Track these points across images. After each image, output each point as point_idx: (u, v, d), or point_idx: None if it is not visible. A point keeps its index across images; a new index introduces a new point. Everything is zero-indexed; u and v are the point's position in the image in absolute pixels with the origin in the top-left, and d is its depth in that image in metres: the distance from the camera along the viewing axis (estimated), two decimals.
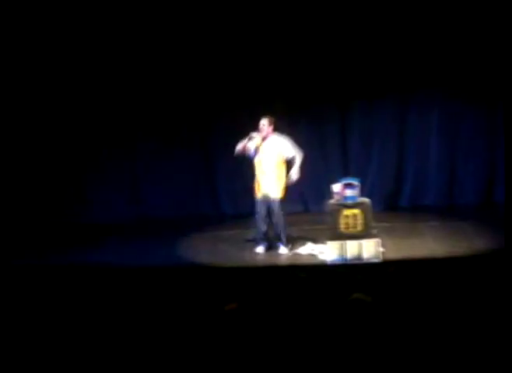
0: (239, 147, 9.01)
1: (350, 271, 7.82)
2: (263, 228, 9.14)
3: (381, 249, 8.72)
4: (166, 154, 11.39)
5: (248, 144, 8.97)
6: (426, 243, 9.21)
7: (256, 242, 9.22)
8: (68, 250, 9.82)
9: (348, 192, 9.08)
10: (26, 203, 11.28)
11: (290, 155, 9.12)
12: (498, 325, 5.55)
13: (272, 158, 9.04)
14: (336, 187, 9.23)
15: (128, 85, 11.15)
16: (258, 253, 9.16)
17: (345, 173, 10.76)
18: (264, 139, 8.97)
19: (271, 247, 9.21)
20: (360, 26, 10.71)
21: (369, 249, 8.63)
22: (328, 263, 8.64)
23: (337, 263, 8.60)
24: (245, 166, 11.01)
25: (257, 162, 9.04)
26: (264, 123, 8.96)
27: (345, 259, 8.61)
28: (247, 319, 6.07)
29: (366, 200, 9.23)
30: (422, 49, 10.80)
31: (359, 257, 8.61)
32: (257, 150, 8.99)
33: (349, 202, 9.05)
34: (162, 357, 5.55)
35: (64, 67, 11.01)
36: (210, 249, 9.53)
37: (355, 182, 9.16)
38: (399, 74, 10.98)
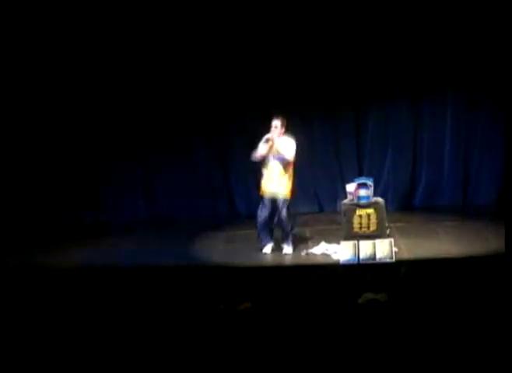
0: (258, 153, 9.03)
1: (363, 271, 7.84)
2: (264, 227, 9.15)
3: (395, 249, 8.71)
4: (180, 153, 11.39)
5: (263, 147, 8.99)
6: (440, 243, 9.20)
7: (261, 242, 9.22)
8: (81, 249, 9.87)
9: (362, 192, 9.10)
10: (37, 203, 11.31)
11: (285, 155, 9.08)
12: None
13: (282, 158, 9.04)
14: (350, 187, 9.25)
15: (143, 86, 11.18)
16: (266, 253, 9.17)
17: (359, 173, 10.82)
18: (275, 140, 8.97)
19: (276, 247, 9.22)
20: (374, 27, 10.69)
21: (382, 249, 8.63)
22: (341, 262, 8.64)
23: (350, 263, 8.60)
24: (259, 165, 11.18)
25: (266, 161, 9.04)
26: (277, 124, 8.97)
27: (359, 259, 8.61)
28: (261, 319, 6.11)
29: (379, 199, 9.24)
30: (436, 49, 10.77)
31: (372, 257, 8.60)
32: (269, 150, 8.99)
33: (363, 202, 9.06)
34: (174, 355, 5.58)
35: (72, 68, 11.05)
36: (223, 249, 9.56)
37: (368, 182, 9.18)
38: (413, 73, 10.96)
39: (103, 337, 6.00)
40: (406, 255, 8.77)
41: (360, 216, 9.03)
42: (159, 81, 11.18)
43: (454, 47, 10.74)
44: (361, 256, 8.62)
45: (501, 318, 5.76)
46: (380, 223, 9.03)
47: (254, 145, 9.14)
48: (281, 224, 9.12)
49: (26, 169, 11.26)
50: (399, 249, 8.89)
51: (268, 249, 9.19)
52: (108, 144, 11.35)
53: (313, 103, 11.13)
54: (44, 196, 11.34)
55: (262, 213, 9.15)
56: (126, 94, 11.24)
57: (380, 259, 8.58)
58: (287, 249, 9.17)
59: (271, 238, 9.22)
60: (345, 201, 9.25)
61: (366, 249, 8.66)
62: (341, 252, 8.74)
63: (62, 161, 11.36)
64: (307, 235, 9.85)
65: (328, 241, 9.25)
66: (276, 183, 9.07)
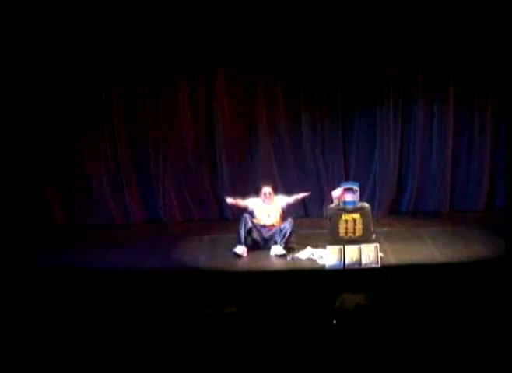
0: (232, 202, 9.63)
1: (348, 276, 7.90)
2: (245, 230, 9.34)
3: (380, 254, 8.78)
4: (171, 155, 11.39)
5: (244, 204, 9.59)
6: (426, 248, 9.26)
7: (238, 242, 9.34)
8: (63, 252, 9.88)
9: (348, 197, 9.18)
10: (30, 204, 11.30)
11: (287, 201, 9.59)
12: (496, 331, 5.60)
13: (276, 216, 9.53)
14: (336, 192, 9.32)
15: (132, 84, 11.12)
16: (237, 253, 9.24)
17: (345, 178, 10.87)
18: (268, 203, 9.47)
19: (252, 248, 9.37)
20: (363, 23, 10.63)
21: (368, 254, 8.70)
22: (327, 267, 8.70)
23: (336, 268, 8.66)
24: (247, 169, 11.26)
25: (258, 218, 9.47)
26: (269, 191, 9.43)
27: (344, 265, 8.67)
28: (246, 323, 6.15)
29: (366, 205, 9.32)
30: (424, 49, 10.80)
31: (358, 262, 8.67)
32: (259, 212, 9.46)
33: (349, 207, 9.14)
34: (159, 360, 5.61)
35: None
36: (209, 253, 9.58)
37: (355, 186, 9.26)
38: (401, 75, 10.99)
39: (85, 343, 6.03)
40: (392, 260, 8.84)
41: (346, 221, 9.12)
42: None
43: (444, 48, 10.77)
44: (347, 261, 8.68)
45: (486, 323, 5.82)
46: (366, 228, 9.12)
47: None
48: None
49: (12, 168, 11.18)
50: (385, 254, 8.96)
51: (239, 249, 9.25)
52: (98, 145, 11.32)
53: (299, 107, 11.16)
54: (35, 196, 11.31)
55: (249, 221, 9.34)
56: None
57: (365, 264, 8.65)
58: (278, 248, 9.23)
59: (246, 242, 9.34)
60: (331, 206, 9.32)
61: (351, 254, 8.72)
62: (327, 257, 8.79)
63: (52, 157, 11.26)
64: (293, 239, 9.89)
65: (314, 246, 9.30)
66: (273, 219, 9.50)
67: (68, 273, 8.74)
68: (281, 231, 9.30)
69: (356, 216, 9.12)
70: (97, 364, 5.56)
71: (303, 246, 9.37)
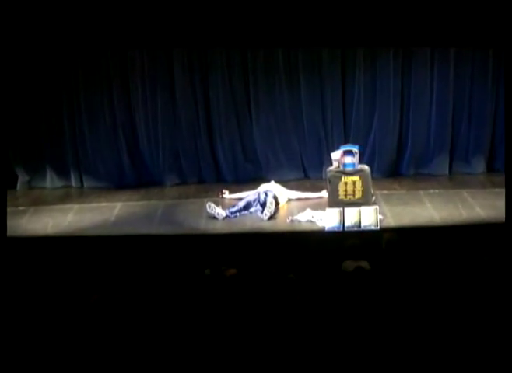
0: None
1: (348, 238, 8.02)
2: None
3: (380, 217, 8.90)
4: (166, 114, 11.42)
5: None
6: (425, 211, 9.36)
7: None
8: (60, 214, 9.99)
9: (348, 159, 9.25)
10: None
11: (298, 196, 10.10)
12: (495, 297, 5.66)
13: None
14: (335, 154, 9.39)
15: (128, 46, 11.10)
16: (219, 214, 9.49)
17: (345, 140, 10.91)
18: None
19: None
20: None
21: (367, 217, 8.82)
22: (327, 229, 8.82)
23: (335, 230, 8.78)
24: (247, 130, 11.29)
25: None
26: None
27: (344, 227, 8.79)
28: (247, 285, 6.24)
29: (365, 167, 9.39)
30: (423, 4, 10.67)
31: (357, 224, 8.79)
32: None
33: (349, 169, 9.22)
34: (158, 326, 5.69)
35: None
36: (207, 215, 9.69)
37: (354, 149, 9.32)
38: (401, 32, 10.87)
39: (82, 309, 6.11)
40: (391, 222, 8.96)
41: (346, 183, 9.20)
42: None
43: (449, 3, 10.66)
44: (346, 224, 8.81)
45: (484, 288, 5.89)
46: (365, 190, 9.21)
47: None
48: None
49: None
50: (384, 216, 9.08)
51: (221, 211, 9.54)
52: (93, 110, 11.37)
53: (299, 66, 11.15)
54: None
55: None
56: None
57: (365, 226, 8.78)
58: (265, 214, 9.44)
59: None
60: (331, 168, 9.40)
61: (351, 216, 8.85)
62: (326, 219, 8.91)
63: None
64: (293, 201, 10.02)
65: (314, 208, 9.41)
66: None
67: (66, 240, 8.88)
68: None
69: (356, 178, 9.20)
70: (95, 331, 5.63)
71: (302, 209, 9.50)
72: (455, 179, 10.97)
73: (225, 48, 11.04)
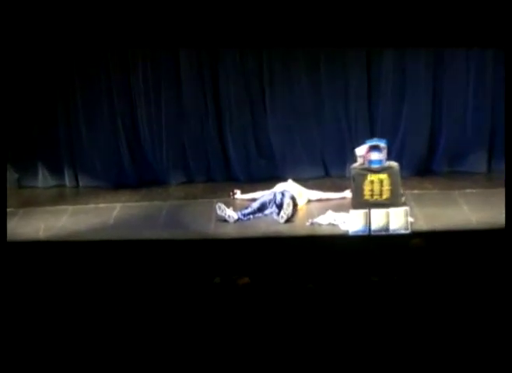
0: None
1: (375, 243, 8.05)
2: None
3: (410, 219, 8.94)
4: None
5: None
6: (461, 213, 9.38)
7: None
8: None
9: (374, 155, 9.24)
10: None
11: (319, 197, 10.21)
12: None
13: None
14: (360, 150, 9.40)
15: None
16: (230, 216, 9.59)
17: (370, 134, 10.91)
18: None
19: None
20: None
21: (396, 219, 8.86)
22: (351, 233, 8.88)
23: (360, 234, 8.84)
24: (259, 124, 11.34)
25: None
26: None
27: (370, 230, 8.84)
28: (261, 296, 6.28)
29: (394, 164, 9.38)
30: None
31: (385, 228, 8.84)
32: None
33: (375, 166, 9.22)
34: (165, 337, 5.75)
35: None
36: (217, 218, 9.75)
37: (381, 143, 9.32)
38: (436, 23, 10.91)
39: (84, 313, 6.20)
40: (423, 226, 9.00)
41: (372, 182, 9.20)
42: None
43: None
44: (373, 227, 8.86)
45: None
46: (393, 190, 9.21)
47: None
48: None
49: None
50: (415, 219, 9.12)
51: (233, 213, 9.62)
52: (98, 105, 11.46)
53: (321, 55, 11.16)
54: None
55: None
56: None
57: (393, 230, 8.82)
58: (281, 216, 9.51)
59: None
60: (355, 165, 9.41)
61: (378, 218, 8.90)
62: (350, 222, 8.96)
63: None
64: (312, 203, 10.07)
65: (336, 210, 9.45)
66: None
67: (59, 245, 8.95)
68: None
69: (383, 176, 9.21)
70: (99, 337, 5.71)
71: (323, 210, 9.53)
72: (494, 178, 10.89)
73: (238, 48, 11.09)
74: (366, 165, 9.27)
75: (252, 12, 9.87)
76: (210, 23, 10.10)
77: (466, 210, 9.50)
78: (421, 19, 9.76)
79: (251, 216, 9.67)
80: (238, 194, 10.51)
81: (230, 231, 9.32)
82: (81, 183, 11.70)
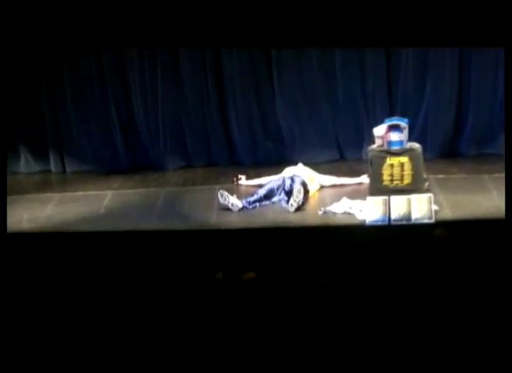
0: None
1: (395, 234, 8.04)
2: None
3: (435, 207, 8.94)
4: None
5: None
6: (490, 200, 9.37)
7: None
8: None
9: (394, 135, 9.24)
10: None
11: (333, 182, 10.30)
12: None
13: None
14: (379, 130, 9.40)
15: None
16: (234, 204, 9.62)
17: (390, 112, 10.92)
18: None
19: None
20: None
21: (419, 207, 8.86)
22: (368, 223, 8.88)
23: (379, 223, 8.84)
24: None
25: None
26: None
27: (390, 220, 8.84)
28: (268, 292, 6.30)
29: (416, 145, 9.38)
30: None
31: (406, 217, 8.84)
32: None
33: (395, 148, 9.22)
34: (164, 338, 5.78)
35: None
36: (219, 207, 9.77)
37: (402, 123, 9.31)
38: (435, 22, 10.86)
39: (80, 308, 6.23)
40: (448, 214, 9.01)
41: (392, 166, 9.20)
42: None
43: None
44: (393, 216, 8.86)
45: None
46: (416, 174, 9.21)
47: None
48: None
49: None
50: (440, 206, 9.12)
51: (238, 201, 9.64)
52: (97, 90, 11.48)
53: (336, 28, 11.10)
54: None
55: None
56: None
57: (416, 219, 8.82)
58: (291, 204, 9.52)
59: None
60: (373, 147, 9.41)
61: (398, 206, 8.89)
62: (367, 210, 8.97)
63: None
64: (326, 188, 10.09)
65: (351, 196, 9.47)
66: None
67: (45, 237, 8.97)
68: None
69: (404, 159, 9.20)
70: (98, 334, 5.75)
71: (337, 197, 9.54)
72: None
73: (241, 47, 11.12)
74: (386, 147, 9.26)
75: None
76: (211, 20, 10.23)
77: (496, 196, 9.49)
78: (419, 19, 9.82)
79: (257, 204, 9.66)
80: (243, 180, 10.51)
81: (234, 221, 9.32)
82: (68, 169, 11.72)
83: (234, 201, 9.57)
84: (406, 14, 9.62)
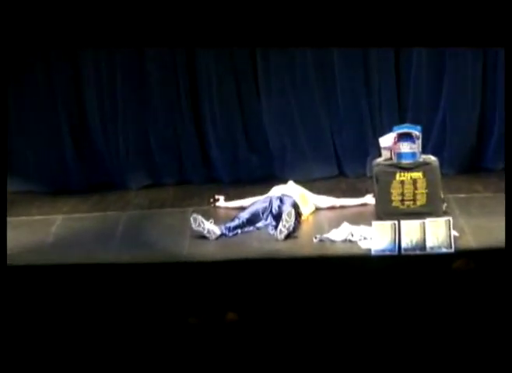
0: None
1: (406, 266, 8.02)
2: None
3: (454, 233, 8.91)
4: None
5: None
6: None
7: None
8: None
9: (405, 146, 9.27)
10: None
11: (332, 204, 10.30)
12: None
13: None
14: (386, 140, 9.41)
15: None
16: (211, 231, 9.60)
17: (399, 119, 10.93)
18: None
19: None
20: None
21: (435, 233, 8.84)
22: (373, 253, 8.86)
23: (386, 253, 8.81)
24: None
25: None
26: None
27: (400, 249, 8.82)
28: (253, 336, 6.28)
29: (431, 158, 9.41)
30: None
31: (420, 245, 8.82)
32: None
33: (406, 162, 9.24)
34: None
35: None
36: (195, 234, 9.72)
37: (415, 131, 9.34)
38: (435, 23, 10.95)
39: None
40: (471, 242, 9.00)
41: (402, 183, 9.24)
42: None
43: None
44: (403, 244, 8.83)
45: None
46: (431, 194, 9.25)
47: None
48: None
49: None
50: (460, 232, 9.10)
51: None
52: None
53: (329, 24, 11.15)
54: None
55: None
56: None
57: (431, 248, 8.80)
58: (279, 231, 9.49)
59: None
60: (379, 161, 9.43)
61: (410, 232, 8.88)
62: (373, 237, 8.95)
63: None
64: (323, 211, 10.08)
65: (353, 221, 9.45)
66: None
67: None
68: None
69: (417, 175, 9.25)
70: None
71: (336, 222, 9.53)
72: None
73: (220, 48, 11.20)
74: (394, 161, 9.29)
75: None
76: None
77: None
78: (419, 19, 9.95)
79: (239, 230, 9.64)
80: (221, 201, 10.50)
81: (211, 252, 9.28)
82: (8, 188, 11.65)
83: (211, 227, 9.53)
84: (406, 14, 9.82)
